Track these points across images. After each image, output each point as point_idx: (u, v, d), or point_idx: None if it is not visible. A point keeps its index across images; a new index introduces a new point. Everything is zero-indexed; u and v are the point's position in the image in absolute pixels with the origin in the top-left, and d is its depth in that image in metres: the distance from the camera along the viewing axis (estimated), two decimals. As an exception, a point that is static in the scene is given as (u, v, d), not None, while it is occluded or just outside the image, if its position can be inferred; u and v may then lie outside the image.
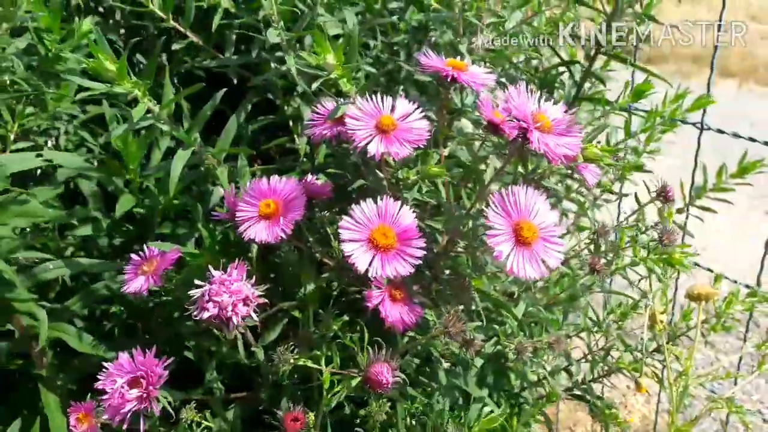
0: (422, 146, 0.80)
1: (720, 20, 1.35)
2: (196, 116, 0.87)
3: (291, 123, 1.28)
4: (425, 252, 0.73)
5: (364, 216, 0.75)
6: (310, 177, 0.97)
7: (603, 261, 0.85)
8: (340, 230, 0.73)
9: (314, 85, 0.79)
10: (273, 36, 0.94)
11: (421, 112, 0.82)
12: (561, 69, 1.21)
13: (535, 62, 1.31)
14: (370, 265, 0.71)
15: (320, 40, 0.75)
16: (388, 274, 0.71)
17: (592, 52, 1.17)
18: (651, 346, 1.15)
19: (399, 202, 0.76)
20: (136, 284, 0.87)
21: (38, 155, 0.85)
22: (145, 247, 0.91)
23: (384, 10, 1.13)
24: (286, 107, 1.26)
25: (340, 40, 1.11)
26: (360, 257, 0.71)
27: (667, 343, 1.13)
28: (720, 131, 1.37)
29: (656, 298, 1.06)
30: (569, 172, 0.83)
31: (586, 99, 1.24)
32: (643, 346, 1.12)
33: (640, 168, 1.23)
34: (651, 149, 1.24)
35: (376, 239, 0.73)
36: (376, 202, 0.76)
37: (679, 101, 1.10)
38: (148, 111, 0.79)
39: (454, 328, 0.69)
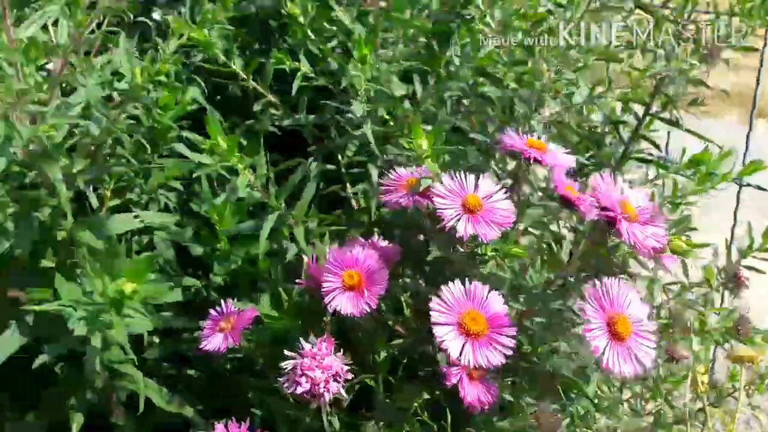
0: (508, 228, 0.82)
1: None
2: (284, 185, 0.91)
3: (344, 172, 1.30)
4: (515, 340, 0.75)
5: (453, 298, 0.76)
6: (375, 238, 0.99)
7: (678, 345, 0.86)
8: (431, 312, 0.75)
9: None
10: (358, 109, 0.97)
11: (505, 193, 0.84)
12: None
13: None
14: (461, 353, 0.73)
15: (418, 130, 0.78)
16: (480, 363, 0.72)
17: (641, 114, 1.20)
18: (694, 408, 1.15)
19: (487, 287, 0.78)
20: (215, 342, 0.89)
21: (135, 216, 0.88)
22: (222, 302, 0.93)
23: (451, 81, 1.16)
24: (341, 158, 1.28)
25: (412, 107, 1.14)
26: (452, 343, 0.73)
27: (710, 405, 1.13)
28: (760, 188, 1.39)
29: (698, 359, 1.07)
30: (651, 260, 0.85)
31: (634, 158, 1.26)
32: (686, 408, 1.12)
33: (689, 228, 1.24)
34: (690, 201, 1.25)
35: (467, 324, 0.74)
36: (463, 284, 0.78)
37: (727, 160, 1.10)
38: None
39: (546, 423, 0.70)
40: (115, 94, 0.82)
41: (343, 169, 1.29)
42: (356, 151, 1.28)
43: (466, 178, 0.85)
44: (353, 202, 1.30)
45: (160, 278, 0.89)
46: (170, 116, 0.93)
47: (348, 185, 1.31)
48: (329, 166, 1.27)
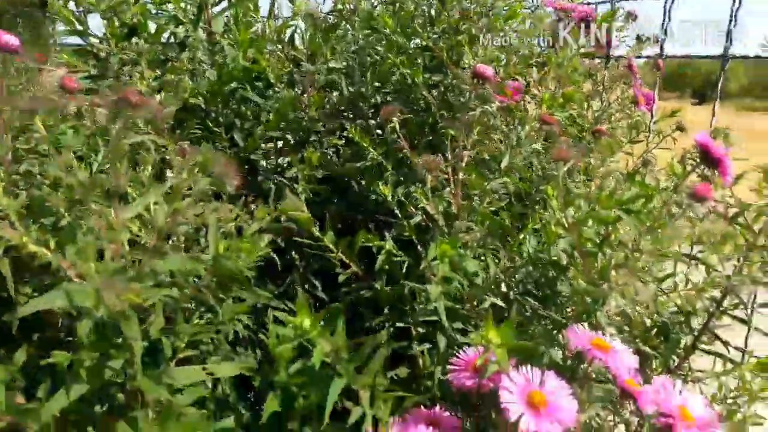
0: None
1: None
2: (371, 361, 0.96)
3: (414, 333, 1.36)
4: None
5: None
6: (438, 408, 1.02)
7: None
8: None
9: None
10: (434, 292, 1.05)
11: (570, 391, 0.88)
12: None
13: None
14: None
15: (489, 326, 0.86)
16: None
17: (712, 309, 1.22)
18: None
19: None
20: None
21: (203, 368, 0.93)
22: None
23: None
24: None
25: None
26: None
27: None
28: None
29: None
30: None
31: (702, 350, 1.25)
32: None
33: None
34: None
35: None
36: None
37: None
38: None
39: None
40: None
41: (413, 331, 1.36)
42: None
43: (532, 373, 0.89)
44: (420, 361, 1.35)
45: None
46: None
47: (416, 344, 1.37)
48: (399, 324, 1.34)
